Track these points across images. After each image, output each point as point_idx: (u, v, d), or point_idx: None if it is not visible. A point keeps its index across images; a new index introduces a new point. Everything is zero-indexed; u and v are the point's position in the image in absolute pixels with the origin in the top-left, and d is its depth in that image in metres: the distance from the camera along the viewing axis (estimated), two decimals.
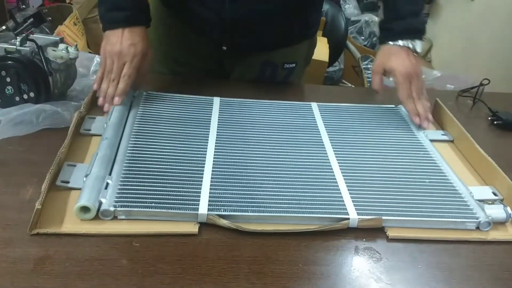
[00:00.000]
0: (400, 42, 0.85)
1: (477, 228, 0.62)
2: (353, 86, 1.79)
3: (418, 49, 0.85)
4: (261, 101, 0.87)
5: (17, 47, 0.74)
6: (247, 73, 1.00)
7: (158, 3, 0.96)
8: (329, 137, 0.77)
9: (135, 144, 0.70)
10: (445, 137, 0.84)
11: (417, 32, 0.86)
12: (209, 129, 0.76)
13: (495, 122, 0.92)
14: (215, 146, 0.71)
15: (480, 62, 2.22)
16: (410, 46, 0.84)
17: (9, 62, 0.72)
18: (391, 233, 0.60)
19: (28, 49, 0.74)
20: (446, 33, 2.67)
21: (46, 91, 0.75)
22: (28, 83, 0.73)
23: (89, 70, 0.92)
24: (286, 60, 0.99)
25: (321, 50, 1.55)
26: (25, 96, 0.74)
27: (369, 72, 1.40)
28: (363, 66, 1.45)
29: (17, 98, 0.74)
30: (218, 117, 0.80)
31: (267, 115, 0.83)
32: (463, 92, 1.04)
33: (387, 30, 0.87)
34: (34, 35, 0.78)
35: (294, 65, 0.99)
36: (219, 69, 1.02)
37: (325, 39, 1.59)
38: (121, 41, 0.78)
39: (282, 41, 0.96)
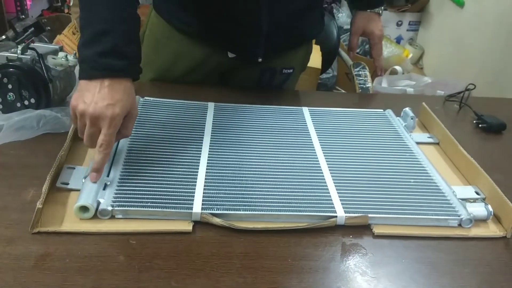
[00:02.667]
0: (376, 9, 1.11)
1: (459, 225, 0.65)
2: (346, 92, 1.83)
3: (381, 13, 1.14)
4: (253, 106, 0.90)
5: (19, 55, 0.77)
6: (246, 80, 1.03)
7: (165, 27, 0.94)
8: (319, 139, 0.80)
9: (132, 147, 0.72)
10: (430, 140, 0.87)
11: (383, 1, 1.14)
12: (203, 132, 0.79)
13: (480, 125, 0.95)
14: (209, 148, 0.74)
15: (470, 68, 2.26)
16: (380, 12, 1.12)
17: (11, 69, 0.75)
18: (377, 230, 0.63)
19: (29, 57, 0.77)
20: (437, 40, 2.72)
21: (46, 98, 0.78)
22: (29, 90, 0.76)
23: None
24: (284, 66, 1.02)
25: (314, 57, 1.58)
26: (26, 102, 0.77)
27: (361, 78, 1.43)
28: (355, 73, 1.48)
29: (18, 104, 0.77)
30: (212, 121, 0.83)
31: (260, 119, 0.86)
32: (450, 97, 1.07)
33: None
34: (34, 44, 0.81)
35: (291, 70, 1.03)
36: (219, 76, 1.05)
37: (318, 47, 1.63)
38: (96, 101, 0.61)
39: (291, 43, 1.00)
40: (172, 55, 0.97)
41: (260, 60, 0.94)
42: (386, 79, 1.71)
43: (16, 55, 0.76)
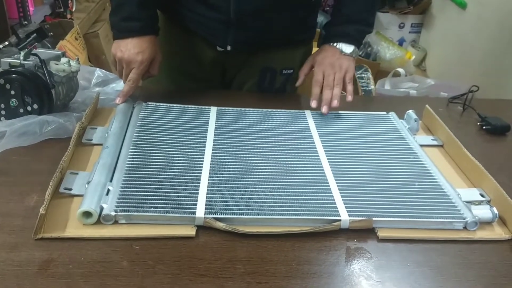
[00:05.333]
0: (333, 44, 0.96)
1: (465, 228, 0.65)
2: None
3: (346, 51, 0.95)
4: (256, 109, 0.90)
5: (21, 61, 0.77)
6: (247, 80, 1.04)
7: (160, 15, 0.98)
8: (322, 143, 0.80)
9: (134, 152, 0.72)
10: (434, 142, 0.87)
11: (349, 37, 0.96)
12: (206, 137, 0.78)
13: (484, 127, 0.95)
14: (212, 153, 0.74)
15: (473, 70, 2.25)
16: (338, 46, 0.95)
17: (13, 75, 0.75)
18: (381, 234, 0.62)
19: (31, 63, 0.77)
20: (440, 42, 2.70)
21: (49, 103, 0.78)
22: (32, 96, 0.76)
23: (91, 82, 0.95)
24: (284, 66, 1.02)
25: None
26: (29, 108, 0.77)
27: (363, 81, 1.43)
28: (357, 75, 1.49)
29: (21, 110, 0.77)
30: (215, 125, 0.83)
31: (262, 123, 0.86)
32: (453, 98, 1.07)
33: (327, 32, 0.99)
34: (37, 50, 0.81)
35: (291, 71, 1.03)
36: (221, 78, 1.05)
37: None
38: (129, 49, 0.85)
39: (282, 39, 0.99)
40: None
41: (229, 48, 0.94)
42: (389, 81, 1.71)
43: (19, 61, 0.77)
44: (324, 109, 0.89)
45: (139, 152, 0.73)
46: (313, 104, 0.90)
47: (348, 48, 0.95)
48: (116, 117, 0.81)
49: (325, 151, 0.78)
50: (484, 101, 1.07)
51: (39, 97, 0.77)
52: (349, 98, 0.93)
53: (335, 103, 0.90)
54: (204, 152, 0.74)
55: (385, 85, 1.69)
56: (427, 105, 0.94)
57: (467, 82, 1.54)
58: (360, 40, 0.98)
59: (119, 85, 0.94)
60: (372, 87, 1.43)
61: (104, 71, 0.98)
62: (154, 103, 0.88)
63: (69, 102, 0.86)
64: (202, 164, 0.71)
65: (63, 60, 0.81)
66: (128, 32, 0.86)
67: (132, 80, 0.86)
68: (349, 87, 0.93)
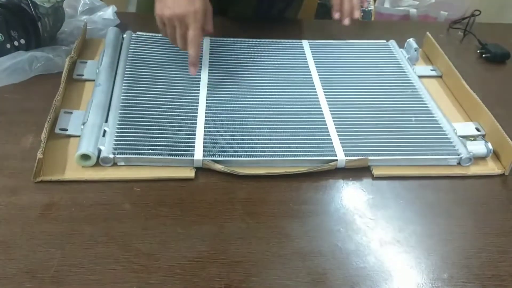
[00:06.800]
0: None
1: (459, 163, 0.66)
2: None
3: None
4: (251, 40, 0.87)
5: None
6: (244, 8, 0.98)
7: None
8: (319, 77, 0.79)
9: (128, 89, 0.71)
10: (433, 73, 0.85)
11: None
12: (200, 71, 0.77)
13: (483, 55, 0.93)
14: (207, 90, 0.73)
15: None
16: None
17: None
18: (376, 172, 0.63)
19: None
20: None
21: (36, 37, 0.75)
22: (18, 30, 0.73)
23: (77, 10, 0.90)
24: None
25: None
26: (16, 43, 0.74)
27: None
28: None
29: (8, 46, 0.74)
30: (209, 59, 0.80)
31: (258, 55, 0.83)
32: (454, 23, 1.03)
33: None
34: None
35: None
36: (216, 5, 0.99)
37: None
38: (178, 1, 0.70)
39: None
40: None
41: None
42: None
43: None
44: (346, 21, 0.83)
45: (132, 89, 0.71)
46: (337, 15, 0.85)
47: None
48: (105, 50, 0.78)
49: (322, 86, 0.76)
50: (485, 25, 1.04)
51: (25, 31, 0.74)
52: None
53: (356, 14, 0.85)
54: (199, 89, 0.73)
55: (385, 3, 1.62)
56: (428, 33, 0.91)
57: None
58: None
59: (107, 13, 0.90)
60: (371, 7, 1.38)
61: None
62: (144, 33, 0.85)
63: (57, 33, 0.83)
64: (197, 102, 0.70)
65: None
66: None
67: (195, 37, 0.71)
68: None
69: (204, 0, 0.72)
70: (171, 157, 0.60)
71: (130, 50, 0.80)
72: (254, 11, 0.99)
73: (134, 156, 0.60)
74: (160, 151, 0.61)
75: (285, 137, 0.65)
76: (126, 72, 0.74)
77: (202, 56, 0.80)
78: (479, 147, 0.67)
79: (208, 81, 0.75)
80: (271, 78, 0.78)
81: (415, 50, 0.86)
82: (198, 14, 0.70)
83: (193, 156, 0.60)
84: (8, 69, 0.70)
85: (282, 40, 0.88)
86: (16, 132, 0.65)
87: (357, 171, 0.64)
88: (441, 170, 0.65)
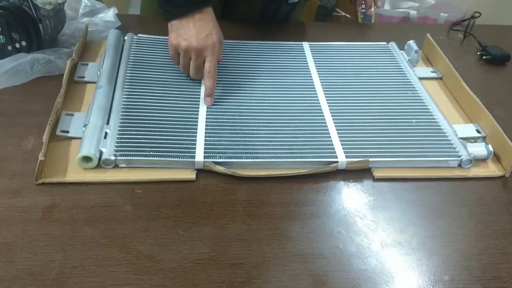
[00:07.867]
0: None
1: (459, 165, 0.66)
2: (347, 15, 1.77)
3: None
4: (251, 42, 0.87)
5: None
6: (250, 12, 0.98)
7: None
8: (320, 79, 0.79)
9: (129, 92, 0.71)
10: (434, 74, 0.86)
11: None
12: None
13: (483, 57, 0.93)
14: None
15: None
16: None
17: None
18: (377, 174, 0.63)
19: None
20: None
21: (38, 39, 0.75)
22: (19, 32, 0.73)
23: (78, 12, 0.90)
24: None
25: None
26: (17, 45, 0.74)
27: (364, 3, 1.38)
28: None
29: (10, 48, 0.74)
30: None
31: (259, 57, 0.83)
32: (454, 25, 1.04)
33: None
34: None
35: (297, 0, 0.98)
36: (223, 8, 0.99)
37: None
38: (196, 34, 0.69)
39: None
40: None
41: None
42: (389, 0, 1.64)
43: None
44: (369, 12, 0.94)
45: (133, 91, 0.71)
46: (360, 8, 1.02)
47: None
48: (107, 52, 0.78)
49: (323, 88, 0.77)
50: (485, 27, 1.04)
51: (26, 33, 0.74)
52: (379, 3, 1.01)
53: (379, 3, 0.99)
54: (200, 91, 0.73)
55: (385, 5, 1.63)
56: (428, 35, 0.91)
57: (468, 1, 1.48)
58: None
59: (108, 15, 0.90)
60: (372, 9, 1.38)
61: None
62: (146, 35, 0.85)
63: (58, 35, 0.83)
64: (198, 105, 0.70)
65: None
66: (193, 5, 0.70)
67: (212, 69, 0.70)
68: None
69: (219, 32, 0.72)
70: (172, 159, 0.60)
71: (131, 52, 0.80)
72: (259, 15, 0.99)
73: (135, 158, 0.60)
74: (161, 153, 0.61)
75: (286, 139, 0.66)
76: (127, 74, 0.74)
77: None
78: (479, 149, 0.67)
79: None
80: (272, 80, 0.78)
81: (415, 52, 0.86)
82: (215, 47, 0.70)
83: (194, 158, 0.60)
84: (9, 71, 0.71)
85: (283, 42, 0.89)
86: (17, 134, 0.65)
87: (358, 173, 0.64)
88: (442, 172, 0.65)
